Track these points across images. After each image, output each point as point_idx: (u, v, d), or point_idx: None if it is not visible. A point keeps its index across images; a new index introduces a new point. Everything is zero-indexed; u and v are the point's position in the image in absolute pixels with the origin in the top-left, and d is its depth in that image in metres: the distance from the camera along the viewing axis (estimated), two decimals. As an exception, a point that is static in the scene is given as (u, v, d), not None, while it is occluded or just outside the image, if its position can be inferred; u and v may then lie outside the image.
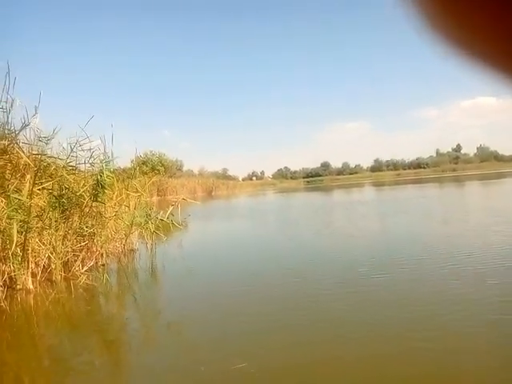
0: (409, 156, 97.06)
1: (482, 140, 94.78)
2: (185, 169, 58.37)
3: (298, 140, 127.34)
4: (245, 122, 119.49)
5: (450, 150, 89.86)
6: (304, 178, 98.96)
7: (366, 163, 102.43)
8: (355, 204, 16.27)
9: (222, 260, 6.76)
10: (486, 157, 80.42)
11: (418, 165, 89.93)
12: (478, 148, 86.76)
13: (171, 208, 7.81)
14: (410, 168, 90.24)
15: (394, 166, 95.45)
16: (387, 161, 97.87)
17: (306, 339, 3.11)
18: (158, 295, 5.19)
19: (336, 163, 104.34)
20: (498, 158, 79.54)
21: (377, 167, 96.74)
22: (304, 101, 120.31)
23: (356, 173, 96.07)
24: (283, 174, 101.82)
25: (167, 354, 3.11)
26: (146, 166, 35.83)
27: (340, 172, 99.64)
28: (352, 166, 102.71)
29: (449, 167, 75.30)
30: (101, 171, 6.18)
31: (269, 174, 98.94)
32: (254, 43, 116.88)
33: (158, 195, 31.80)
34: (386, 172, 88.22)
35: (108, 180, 6.18)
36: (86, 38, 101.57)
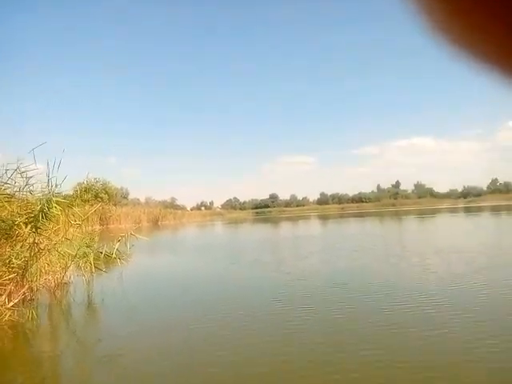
0: (352, 190, 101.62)
1: (419, 177, 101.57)
2: (131, 197, 56.87)
3: (247, 171, 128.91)
4: (194, 151, 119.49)
5: (390, 186, 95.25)
6: (253, 208, 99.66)
7: (313, 196, 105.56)
8: (304, 239, 16.40)
9: (162, 295, 6.56)
10: (423, 193, 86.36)
11: (360, 199, 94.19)
12: (415, 185, 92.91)
13: (117, 244, 7.36)
14: (353, 202, 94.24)
15: (339, 199, 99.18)
16: (332, 194, 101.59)
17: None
18: (92, 331, 4.92)
19: (284, 195, 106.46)
20: (433, 194, 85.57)
21: (323, 200, 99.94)
22: (253, 133, 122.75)
23: (303, 205, 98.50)
24: (232, 205, 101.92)
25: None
26: (89, 194, 34.42)
27: (288, 204, 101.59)
28: (299, 198, 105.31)
29: (389, 202, 79.85)
30: (48, 200, 5.84)
31: (218, 204, 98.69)
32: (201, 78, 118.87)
33: (100, 224, 30.47)
34: (332, 205, 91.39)
35: (54, 211, 5.86)
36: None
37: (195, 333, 4.27)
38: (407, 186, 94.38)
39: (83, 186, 29.08)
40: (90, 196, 32.50)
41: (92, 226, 10.51)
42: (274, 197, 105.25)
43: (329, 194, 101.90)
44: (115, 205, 38.74)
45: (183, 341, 4.06)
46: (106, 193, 43.17)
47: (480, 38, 0.31)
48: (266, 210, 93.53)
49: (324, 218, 41.17)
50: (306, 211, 73.42)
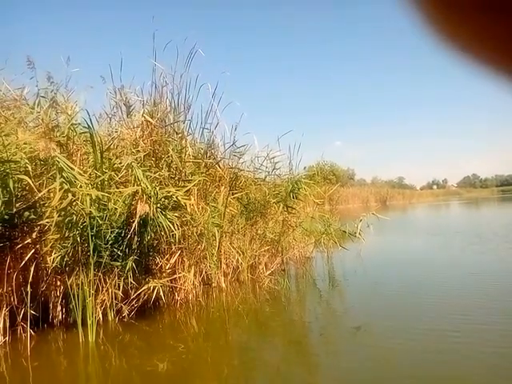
0: None
1: None
2: (356, 178, 57.65)
3: (491, 144, 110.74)
4: (425, 128, 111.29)
5: None
6: (497, 186, 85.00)
7: None
8: None
9: (402, 273, 6.32)
10: None
11: None
12: None
13: (360, 223, 7.45)
14: None
15: None
16: None
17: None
18: (337, 302, 5.18)
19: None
20: None
21: None
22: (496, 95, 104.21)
23: None
24: (471, 182, 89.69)
25: (347, 359, 3.16)
26: (318, 176, 36.70)
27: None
28: None
29: None
30: (297, 182, 6.52)
31: (453, 182, 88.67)
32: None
33: (329, 204, 32.04)
34: None
35: (302, 191, 6.51)
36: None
37: (443, 317, 3.91)
38: None
39: (314, 168, 31.18)
40: (319, 178, 34.72)
41: (323, 206, 11.05)
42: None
43: None
44: (342, 186, 40.04)
45: (430, 323, 3.78)
46: (334, 175, 45.13)
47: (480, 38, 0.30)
48: (515, 187, 78.15)
49: None
50: None
